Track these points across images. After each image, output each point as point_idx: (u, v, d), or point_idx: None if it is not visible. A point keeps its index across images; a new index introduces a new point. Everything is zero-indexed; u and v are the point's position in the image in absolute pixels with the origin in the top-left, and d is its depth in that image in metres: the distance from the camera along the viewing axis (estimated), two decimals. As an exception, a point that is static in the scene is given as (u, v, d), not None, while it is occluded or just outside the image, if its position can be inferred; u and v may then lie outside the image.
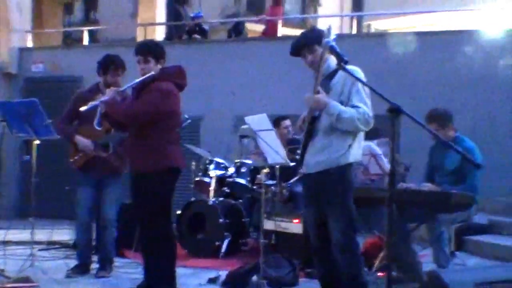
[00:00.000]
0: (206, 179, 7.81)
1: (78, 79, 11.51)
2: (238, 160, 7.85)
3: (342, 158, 4.47)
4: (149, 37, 13.88)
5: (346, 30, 15.68)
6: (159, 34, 14.68)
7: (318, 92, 4.40)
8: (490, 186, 7.53)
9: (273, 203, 7.46)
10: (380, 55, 9.69)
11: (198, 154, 8.28)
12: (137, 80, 5.18)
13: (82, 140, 6.06)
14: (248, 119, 4.79)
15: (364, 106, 4.39)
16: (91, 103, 5.26)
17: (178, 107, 5.25)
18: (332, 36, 4.22)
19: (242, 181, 7.64)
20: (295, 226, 6.68)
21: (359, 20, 12.03)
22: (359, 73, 4.46)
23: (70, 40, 19.07)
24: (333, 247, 4.50)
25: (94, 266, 6.32)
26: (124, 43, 12.70)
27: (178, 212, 7.41)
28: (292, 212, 7.23)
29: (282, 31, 11.68)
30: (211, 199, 7.54)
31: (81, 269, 6.23)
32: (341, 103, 4.41)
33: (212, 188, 7.64)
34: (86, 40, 12.66)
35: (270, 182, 7.58)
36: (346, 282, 4.51)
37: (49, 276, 5.85)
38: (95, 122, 5.95)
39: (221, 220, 7.24)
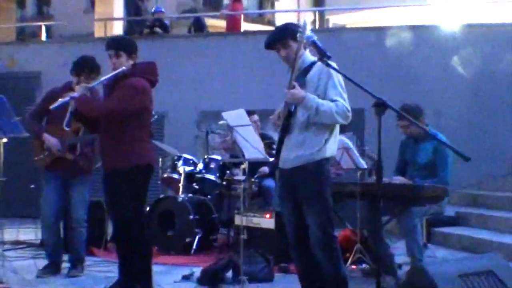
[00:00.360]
0: (175, 176, 7.73)
1: (36, 75, 11.32)
2: (207, 156, 7.80)
3: (319, 153, 4.45)
4: (108, 33, 13.72)
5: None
6: (117, 29, 14.50)
7: (293, 87, 4.38)
8: (457, 179, 7.64)
9: (242, 198, 7.43)
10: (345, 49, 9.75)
11: (164, 150, 8.21)
12: (108, 76, 5.09)
13: (50, 139, 5.94)
14: (225, 114, 4.75)
15: (341, 99, 4.39)
16: (61, 100, 5.16)
17: (150, 103, 5.18)
18: (308, 31, 4.20)
19: (211, 177, 7.60)
20: (266, 221, 6.68)
21: (322, 15, 12.04)
22: (332, 70, 4.47)
23: (23, 36, 18.72)
24: (312, 244, 4.49)
25: (64, 265, 6.21)
26: (83, 39, 12.55)
27: (147, 209, 7.32)
28: (263, 208, 7.23)
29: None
30: (181, 195, 7.48)
31: (52, 269, 6.11)
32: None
33: (181, 184, 7.57)
34: (43, 36, 12.41)
35: (240, 177, 7.57)
36: (327, 278, 4.51)
37: (20, 276, 5.68)
38: (65, 122, 5.88)
39: (191, 217, 7.18)
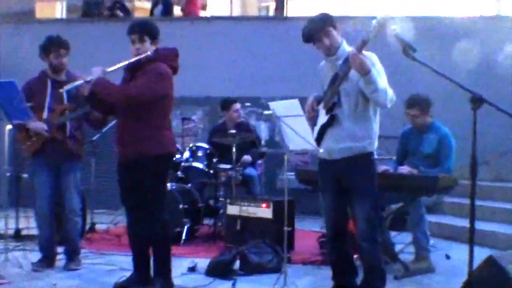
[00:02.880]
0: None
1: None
2: (193, 144, 7.63)
3: (370, 145, 4.45)
4: (48, 13, 13.14)
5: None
6: (58, 10, 13.90)
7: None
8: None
9: (229, 187, 7.32)
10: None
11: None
12: (130, 61, 4.87)
13: (35, 124, 5.62)
14: (272, 104, 4.60)
15: (388, 86, 4.32)
16: (73, 84, 4.90)
17: (172, 90, 4.99)
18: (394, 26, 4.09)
19: (199, 165, 7.43)
20: (263, 210, 6.58)
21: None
22: (375, 57, 4.44)
23: None
24: (357, 235, 4.50)
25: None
26: (23, 18, 11.98)
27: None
28: (255, 197, 7.13)
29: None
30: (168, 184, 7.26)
31: (46, 262, 5.80)
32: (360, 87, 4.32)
33: (168, 173, 7.34)
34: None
35: (224, 166, 7.45)
36: (367, 269, 4.53)
37: (20, 270, 5.36)
38: (46, 104, 5.63)
39: (181, 206, 7.00)
